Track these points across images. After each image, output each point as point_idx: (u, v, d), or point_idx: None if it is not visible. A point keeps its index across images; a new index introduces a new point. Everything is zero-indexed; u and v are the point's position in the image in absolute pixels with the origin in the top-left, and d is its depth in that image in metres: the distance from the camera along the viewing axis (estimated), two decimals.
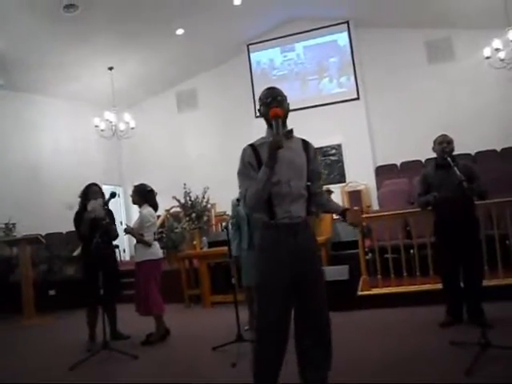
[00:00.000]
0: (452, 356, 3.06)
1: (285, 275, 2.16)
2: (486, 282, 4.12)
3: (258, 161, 2.20)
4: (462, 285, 3.82)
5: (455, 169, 3.22)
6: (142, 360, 3.78)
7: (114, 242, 4.76)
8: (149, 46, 9.10)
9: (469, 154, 8.66)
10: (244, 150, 2.28)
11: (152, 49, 9.24)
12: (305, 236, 2.23)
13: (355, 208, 2.37)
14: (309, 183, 2.28)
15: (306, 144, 2.35)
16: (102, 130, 9.02)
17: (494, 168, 7.45)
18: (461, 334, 3.42)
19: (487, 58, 7.73)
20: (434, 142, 3.87)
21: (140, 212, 4.45)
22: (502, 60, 7.63)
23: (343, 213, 2.33)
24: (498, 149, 8.82)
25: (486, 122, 8.86)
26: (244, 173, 2.23)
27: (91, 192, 4.52)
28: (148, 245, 4.34)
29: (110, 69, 9.19)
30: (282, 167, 2.16)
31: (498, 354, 2.85)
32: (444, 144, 3.74)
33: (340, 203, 9.08)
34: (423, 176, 3.95)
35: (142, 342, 4.28)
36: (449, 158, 3.51)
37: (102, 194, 4.60)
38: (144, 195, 4.46)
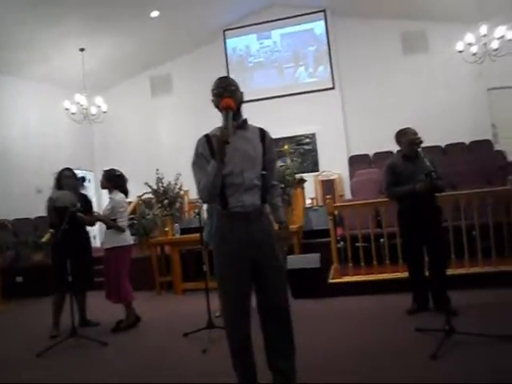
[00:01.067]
0: (418, 342, 3.15)
1: (239, 263, 2.18)
2: (452, 271, 4.26)
3: (211, 151, 2.17)
4: (427, 273, 3.92)
5: (425, 159, 3.28)
6: (111, 347, 3.74)
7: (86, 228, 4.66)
8: (122, 28, 8.85)
9: (439, 146, 8.84)
10: (198, 140, 2.27)
11: (126, 31, 8.99)
12: (259, 224, 2.23)
13: (286, 230, 2.47)
14: (264, 172, 2.26)
15: (262, 133, 2.32)
16: (72, 114, 8.76)
17: (462, 160, 7.64)
18: (427, 321, 3.52)
19: (460, 51, 7.86)
20: (399, 134, 3.94)
21: (111, 198, 4.37)
22: (473, 54, 7.78)
23: (278, 226, 2.41)
24: (467, 142, 9.03)
25: (457, 115, 9.05)
26: (197, 164, 2.22)
27: (64, 177, 4.41)
28: (122, 230, 4.28)
29: (82, 50, 8.91)
30: (234, 158, 2.15)
31: (461, 340, 2.94)
32: (413, 135, 3.77)
33: (313, 192, 9.19)
34: (391, 166, 3.98)
35: (112, 328, 4.24)
36: (420, 149, 3.56)
37: (76, 179, 4.49)
38: (113, 180, 4.39)
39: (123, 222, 4.30)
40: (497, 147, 8.75)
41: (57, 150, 9.57)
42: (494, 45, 7.57)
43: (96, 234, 10.01)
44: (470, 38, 7.77)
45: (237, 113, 2.23)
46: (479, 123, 9.00)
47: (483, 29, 7.58)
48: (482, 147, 8.74)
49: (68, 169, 4.54)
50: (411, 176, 3.74)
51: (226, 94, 2.20)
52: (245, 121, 2.28)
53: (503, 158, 7.90)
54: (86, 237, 4.63)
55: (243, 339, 2.26)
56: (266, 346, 2.29)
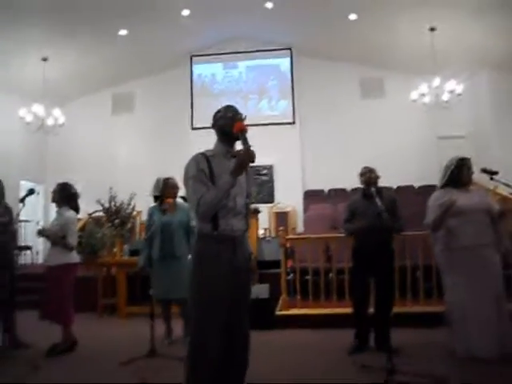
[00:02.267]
0: (360, 379, 3.17)
1: (224, 289, 2.18)
2: (395, 309, 4.36)
3: (209, 170, 2.23)
4: (371, 311, 3.98)
5: (377, 199, 3.40)
6: (44, 371, 3.52)
7: (26, 244, 4.45)
8: (89, 43, 8.76)
9: (391, 188, 9.19)
10: (196, 156, 2.28)
11: (92, 46, 8.90)
12: (242, 249, 2.30)
13: (254, 262, 2.53)
14: (247, 200, 2.35)
15: None
16: (27, 123, 8.48)
17: (411, 203, 7.95)
18: (369, 358, 3.56)
19: (413, 100, 8.33)
20: (360, 172, 4.09)
21: (60, 213, 4.19)
22: (424, 104, 8.26)
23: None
24: (416, 185, 9.46)
25: (408, 159, 9.49)
26: (199, 178, 2.21)
27: None
28: (70, 249, 4.10)
29: (44, 60, 8.71)
30: None
31: (404, 380, 2.96)
32: (367, 174, 3.98)
33: (267, 223, 9.25)
34: (350, 203, 4.14)
35: (47, 351, 3.98)
36: (373, 189, 3.69)
37: (1, 191, 4.25)
38: (66, 196, 4.22)
39: (72, 240, 4.12)
40: None
41: (6, 159, 9.15)
42: (445, 97, 8.08)
43: (39, 249, 9.57)
44: (423, 88, 8.27)
45: (234, 142, 2.33)
46: (428, 169, 9.43)
47: (436, 81, 8.10)
48: (429, 192, 9.07)
49: None
50: (364, 213, 3.87)
51: (239, 118, 2.32)
52: (239, 151, 2.31)
53: None
54: (13, 251, 4.40)
55: (217, 363, 2.16)
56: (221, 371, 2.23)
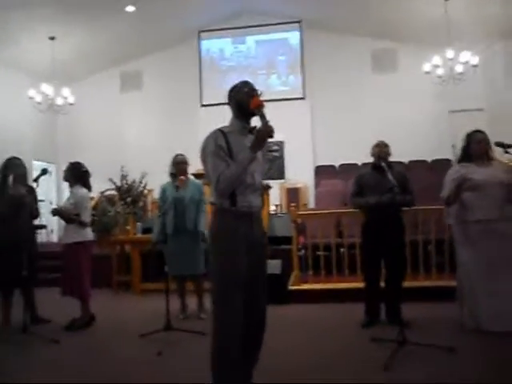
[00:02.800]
0: (372, 352, 3.22)
1: (241, 265, 2.18)
2: (407, 284, 4.38)
3: (227, 146, 2.21)
4: (382, 285, 4.01)
5: (389, 173, 3.38)
6: (63, 345, 3.63)
7: (41, 222, 4.53)
8: (96, 21, 8.66)
9: (402, 163, 9.11)
10: (214, 132, 2.26)
11: (99, 23, 8.80)
12: (259, 226, 2.31)
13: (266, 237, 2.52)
14: (263, 177, 2.37)
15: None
16: (37, 103, 8.50)
17: (423, 177, 7.90)
18: (380, 331, 3.60)
19: (426, 73, 8.15)
20: (373, 146, 4.05)
21: (73, 192, 4.24)
22: (439, 77, 8.08)
23: None
24: (429, 160, 9.36)
25: (420, 134, 9.36)
26: (218, 154, 2.19)
27: (12, 166, 4.24)
28: (84, 225, 4.17)
29: (52, 39, 8.66)
30: None
31: (413, 350, 3.03)
32: (380, 147, 3.95)
33: (278, 199, 9.26)
34: (358, 177, 4.12)
35: (66, 326, 4.11)
36: (383, 163, 3.67)
37: (24, 169, 4.34)
38: (79, 175, 4.27)
39: (86, 217, 4.19)
40: None
41: (17, 139, 9.22)
42: (459, 69, 7.90)
43: (54, 228, 9.73)
44: (436, 60, 8.08)
45: (250, 118, 2.31)
46: (441, 143, 9.34)
47: (450, 53, 7.90)
48: (442, 166, 9.05)
49: (17, 158, 4.37)
50: (374, 188, 3.83)
51: (256, 93, 2.30)
52: (254, 127, 2.32)
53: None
54: (34, 230, 4.50)
55: (237, 336, 2.16)
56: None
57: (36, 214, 4.32)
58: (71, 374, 3.04)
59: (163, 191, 4.46)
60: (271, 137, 2.14)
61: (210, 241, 2.28)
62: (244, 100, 2.28)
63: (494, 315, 3.41)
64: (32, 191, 4.19)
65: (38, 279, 4.43)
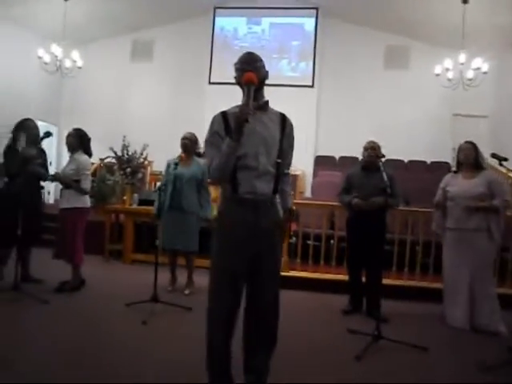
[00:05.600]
0: (347, 342, 3.34)
1: (242, 254, 2.09)
2: (391, 281, 4.52)
3: (226, 130, 2.06)
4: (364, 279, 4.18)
5: (384, 174, 3.45)
6: (52, 306, 3.74)
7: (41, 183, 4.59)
8: None
9: (402, 161, 9.17)
10: (214, 117, 2.13)
11: None
12: (267, 215, 2.13)
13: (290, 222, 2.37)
14: (279, 160, 2.16)
15: (283, 119, 2.24)
16: (45, 63, 8.47)
17: (421, 178, 7.97)
18: (359, 323, 3.72)
19: (437, 74, 8.14)
20: (364, 147, 4.17)
21: (74, 158, 4.28)
22: (449, 80, 8.08)
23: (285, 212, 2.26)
24: (428, 161, 9.41)
25: (422, 134, 9.39)
26: (211, 142, 2.09)
27: (25, 127, 4.30)
28: (84, 193, 4.23)
29: (66, 0, 8.59)
30: (250, 140, 2.04)
31: (387, 345, 3.16)
32: (369, 150, 4.06)
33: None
34: (348, 175, 4.27)
35: (56, 288, 4.21)
36: (380, 163, 3.74)
37: (37, 130, 4.38)
38: (82, 142, 4.31)
39: (86, 184, 4.24)
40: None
41: (22, 98, 9.20)
42: (469, 74, 7.89)
43: (51, 190, 9.79)
44: (448, 63, 8.06)
45: (258, 92, 2.10)
46: (441, 145, 9.37)
47: (462, 57, 7.88)
48: (440, 168, 9.12)
49: (30, 119, 4.42)
50: (361, 187, 4.02)
51: (249, 68, 2.08)
52: (266, 102, 2.17)
53: None
54: (40, 192, 4.57)
55: (228, 326, 2.12)
56: (247, 342, 2.24)
57: (46, 176, 4.38)
58: (56, 334, 3.15)
59: (168, 166, 4.44)
60: (246, 120, 1.91)
61: (214, 226, 2.21)
62: (238, 75, 2.11)
63: (456, 313, 3.81)
64: (43, 153, 4.25)
65: (39, 240, 4.50)
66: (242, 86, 2.07)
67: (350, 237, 4.22)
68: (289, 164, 2.34)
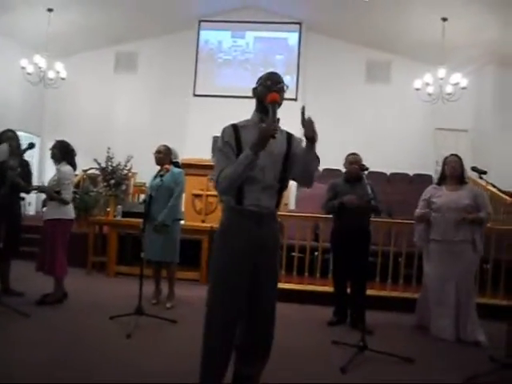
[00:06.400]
0: (332, 354, 3.35)
1: (243, 265, 2.11)
2: (375, 293, 4.56)
3: (237, 142, 2.12)
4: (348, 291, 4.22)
5: (368, 187, 3.51)
6: (33, 319, 3.67)
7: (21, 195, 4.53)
8: None
9: (384, 173, 9.30)
10: (224, 128, 2.18)
11: (100, 0, 8.74)
12: (269, 228, 2.17)
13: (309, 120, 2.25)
14: (284, 174, 2.20)
15: (289, 137, 2.31)
16: (28, 74, 8.41)
17: (403, 190, 8.08)
18: (344, 335, 3.74)
19: (417, 89, 8.33)
20: (346, 159, 4.27)
21: (58, 169, 4.26)
22: (429, 94, 8.27)
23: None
24: (411, 173, 9.57)
25: (405, 147, 9.56)
26: (222, 151, 2.13)
27: (6, 138, 4.24)
28: (65, 203, 4.19)
29: (50, 10, 8.56)
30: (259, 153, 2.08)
31: (372, 357, 3.18)
32: (350, 165, 4.17)
33: None
34: (332, 185, 4.33)
35: (38, 301, 4.14)
36: (364, 175, 3.82)
37: (18, 141, 4.33)
38: (66, 153, 4.29)
39: (67, 194, 4.20)
40: None
41: (5, 108, 9.10)
42: (449, 89, 8.10)
43: (32, 201, 9.65)
44: (428, 77, 8.27)
45: (267, 112, 2.15)
46: (424, 158, 9.56)
47: (441, 72, 8.10)
48: (423, 181, 9.28)
49: (11, 130, 4.37)
50: (346, 195, 4.04)
51: (275, 88, 2.18)
52: (278, 120, 2.17)
53: None
54: (19, 203, 4.51)
55: (228, 339, 2.14)
56: (241, 351, 2.23)
57: (27, 188, 4.31)
58: (37, 348, 3.09)
59: (152, 178, 4.53)
60: (273, 137, 2.01)
61: (215, 237, 2.24)
62: (263, 92, 2.18)
63: (441, 324, 3.83)
64: (26, 165, 4.19)
65: (19, 252, 4.43)
66: (260, 102, 2.21)
67: (335, 248, 4.27)
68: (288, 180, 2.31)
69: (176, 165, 4.57)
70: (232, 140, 2.13)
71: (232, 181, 2.06)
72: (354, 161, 4.15)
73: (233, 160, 2.08)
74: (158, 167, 4.54)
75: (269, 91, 2.15)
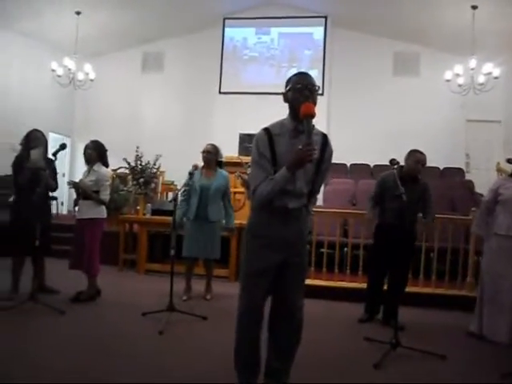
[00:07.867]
0: (364, 351, 3.31)
1: (271, 260, 2.15)
2: (407, 289, 4.46)
3: (272, 153, 2.09)
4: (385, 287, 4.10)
5: (426, 194, 3.52)
6: (68, 316, 3.76)
7: (52, 194, 4.64)
8: None
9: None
10: (259, 135, 2.12)
11: (126, 1, 8.87)
12: (297, 225, 2.19)
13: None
14: (314, 180, 2.18)
15: (325, 141, 2.19)
16: (58, 76, 8.62)
17: (434, 184, 7.87)
18: (375, 331, 3.69)
19: (447, 80, 8.12)
20: (409, 155, 4.02)
21: (94, 169, 4.31)
22: (459, 85, 8.05)
23: None
24: (441, 167, 9.34)
25: (435, 140, 9.29)
26: (259, 164, 2.10)
27: (33, 138, 4.32)
28: (104, 203, 4.28)
29: (78, 13, 8.75)
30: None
31: (405, 354, 3.12)
32: (419, 165, 3.91)
33: None
34: (382, 180, 4.08)
35: (72, 298, 4.23)
36: (420, 176, 3.72)
37: (45, 141, 4.42)
38: (100, 153, 4.37)
39: (106, 195, 4.29)
40: (467, 176, 9.11)
41: (36, 110, 9.36)
42: (480, 79, 7.86)
43: (64, 200, 9.89)
44: (458, 68, 8.04)
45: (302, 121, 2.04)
46: (454, 151, 9.34)
47: (472, 62, 7.86)
48: (454, 174, 9.07)
49: (38, 130, 4.45)
50: (395, 197, 3.60)
51: (306, 92, 2.05)
52: (313, 126, 2.05)
53: (471, 188, 8.24)
54: (49, 202, 4.62)
55: (257, 329, 2.22)
56: (270, 346, 2.30)
57: (55, 186, 4.40)
58: (73, 344, 3.17)
59: (190, 175, 4.41)
60: (310, 161, 1.95)
61: (244, 234, 2.29)
62: (296, 100, 2.07)
63: (495, 325, 3.56)
64: (51, 163, 4.29)
65: (51, 250, 4.54)
66: (292, 106, 2.10)
67: (379, 243, 4.07)
68: (320, 184, 2.31)
69: (220, 164, 4.66)
70: (267, 152, 2.09)
71: (267, 199, 2.11)
72: (420, 160, 3.92)
73: (269, 171, 2.08)
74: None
75: (301, 97, 2.03)
